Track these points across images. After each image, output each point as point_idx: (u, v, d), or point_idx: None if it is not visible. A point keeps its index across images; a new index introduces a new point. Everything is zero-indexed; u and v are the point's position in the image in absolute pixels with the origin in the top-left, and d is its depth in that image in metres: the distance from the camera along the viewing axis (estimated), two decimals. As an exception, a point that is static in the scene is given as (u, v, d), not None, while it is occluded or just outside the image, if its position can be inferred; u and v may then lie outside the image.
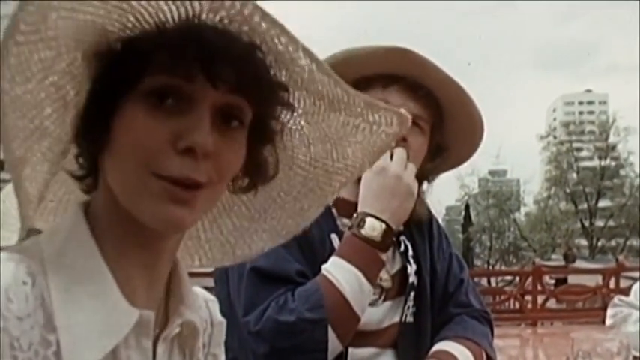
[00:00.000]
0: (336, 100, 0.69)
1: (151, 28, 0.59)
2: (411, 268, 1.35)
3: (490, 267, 27.33)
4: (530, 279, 6.12)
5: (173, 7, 0.58)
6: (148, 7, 0.58)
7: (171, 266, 0.70)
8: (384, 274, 1.29)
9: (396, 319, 1.32)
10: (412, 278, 1.35)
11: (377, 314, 1.30)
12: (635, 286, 1.96)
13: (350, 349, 1.23)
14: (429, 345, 1.32)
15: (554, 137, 31.11)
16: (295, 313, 1.14)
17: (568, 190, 29.39)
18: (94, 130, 0.61)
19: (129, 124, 0.59)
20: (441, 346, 1.30)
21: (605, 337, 1.24)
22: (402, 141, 1.27)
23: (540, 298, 5.91)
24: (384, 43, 1.29)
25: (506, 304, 6.29)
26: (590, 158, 30.31)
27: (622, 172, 29.35)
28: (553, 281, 8.18)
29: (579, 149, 30.34)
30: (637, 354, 1.55)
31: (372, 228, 1.21)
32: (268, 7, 0.59)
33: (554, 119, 64.20)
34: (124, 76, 0.59)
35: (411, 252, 1.38)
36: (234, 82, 0.60)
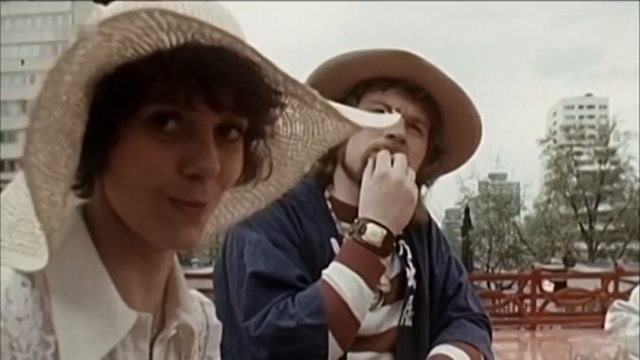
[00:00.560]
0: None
1: (147, 54, 0.58)
2: (410, 272, 1.36)
3: (490, 270, 27.24)
4: (529, 283, 6.11)
5: (173, 36, 0.57)
6: (148, 39, 0.56)
7: (168, 269, 0.70)
8: (382, 279, 1.29)
9: (395, 323, 1.32)
10: (411, 282, 1.35)
11: (376, 318, 1.30)
12: (635, 291, 1.96)
13: (349, 354, 1.23)
14: (428, 349, 1.32)
15: (555, 141, 31.05)
16: (295, 319, 1.15)
17: (568, 194, 29.34)
18: (92, 154, 0.60)
19: (134, 154, 0.59)
20: (439, 349, 1.30)
21: (603, 342, 1.25)
22: (401, 143, 1.27)
23: (539, 302, 5.89)
24: (383, 46, 1.29)
25: (506, 307, 6.27)
26: (591, 162, 30.27)
27: (622, 177, 29.31)
28: (553, 285, 8.17)
29: (579, 153, 30.31)
30: (636, 359, 1.55)
31: (373, 234, 1.21)
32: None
33: (555, 123, 64.16)
34: (123, 104, 0.58)
35: (410, 256, 1.38)
36: (235, 105, 0.60)
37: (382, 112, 1.26)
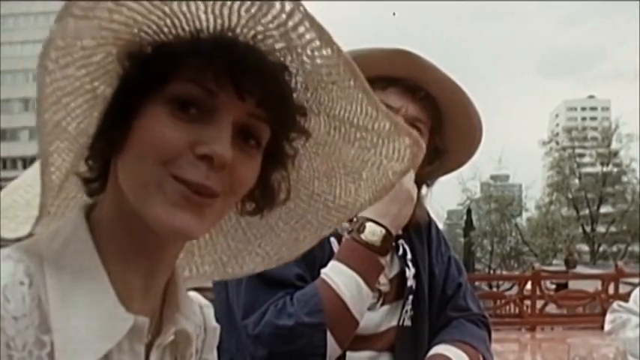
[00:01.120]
0: (355, 126, 0.69)
1: (185, 36, 0.60)
2: (410, 272, 1.35)
3: (491, 271, 27.26)
4: (529, 284, 6.11)
5: (210, 17, 0.59)
6: (187, 13, 0.59)
7: (168, 275, 0.70)
8: (382, 278, 1.29)
9: (394, 322, 1.32)
10: (410, 282, 1.35)
11: (375, 318, 1.30)
12: (635, 292, 1.96)
13: (348, 353, 1.23)
14: (427, 349, 1.32)
15: (557, 143, 31.06)
16: (294, 318, 1.15)
17: (570, 196, 29.34)
18: (114, 127, 0.61)
19: (150, 124, 0.60)
20: (438, 349, 1.30)
21: (602, 342, 1.25)
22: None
23: (539, 303, 5.89)
24: (384, 45, 1.29)
25: (506, 308, 6.27)
26: (593, 164, 30.26)
27: (624, 179, 29.30)
28: (554, 286, 8.16)
29: (582, 155, 30.29)
30: (635, 360, 1.54)
31: (372, 233, 1.22)
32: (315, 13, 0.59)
33: (557, 125, 64.13)
34: (152, 79, 0.60)
35: (409, 256, 1.38)
36: (260, 98, 0.60)
37: None
